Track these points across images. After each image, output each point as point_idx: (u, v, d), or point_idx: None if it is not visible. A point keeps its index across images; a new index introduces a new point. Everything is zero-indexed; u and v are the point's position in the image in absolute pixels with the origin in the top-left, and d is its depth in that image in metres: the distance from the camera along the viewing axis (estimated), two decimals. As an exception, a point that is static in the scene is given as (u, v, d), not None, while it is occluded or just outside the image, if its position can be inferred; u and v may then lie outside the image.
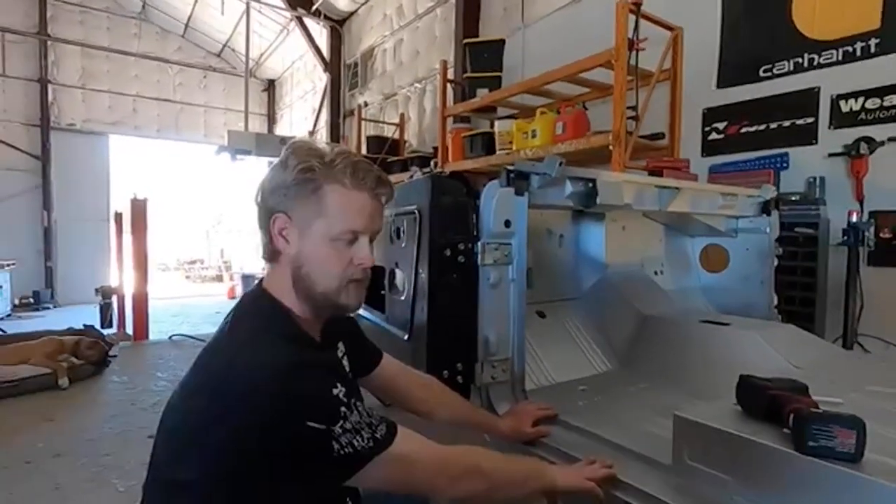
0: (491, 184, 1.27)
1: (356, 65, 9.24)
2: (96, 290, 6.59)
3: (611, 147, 3.35)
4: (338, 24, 9.56)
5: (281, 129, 12.53)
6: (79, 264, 10.40)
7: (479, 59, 5.14)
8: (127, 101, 11.64)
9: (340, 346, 1.02)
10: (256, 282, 0.93)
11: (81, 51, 11.03)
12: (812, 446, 0.74)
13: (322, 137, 9.93)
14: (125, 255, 6.02)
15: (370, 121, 8.14)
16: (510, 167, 1.29)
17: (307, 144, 0.89)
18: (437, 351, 1.27)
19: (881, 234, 2.99)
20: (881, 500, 0.68)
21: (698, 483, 0.87)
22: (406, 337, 1.36)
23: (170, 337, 4.93)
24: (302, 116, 11.55)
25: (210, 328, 5.75)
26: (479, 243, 1.24)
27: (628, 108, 3.40)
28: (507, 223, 1.26)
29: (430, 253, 1.26)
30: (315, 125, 10.34)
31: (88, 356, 3.63)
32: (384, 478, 0.79)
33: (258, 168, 12.83)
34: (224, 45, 12.27)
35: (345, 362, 1.02)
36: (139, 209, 4.72)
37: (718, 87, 3.81)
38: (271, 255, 0.89)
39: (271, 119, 13.52)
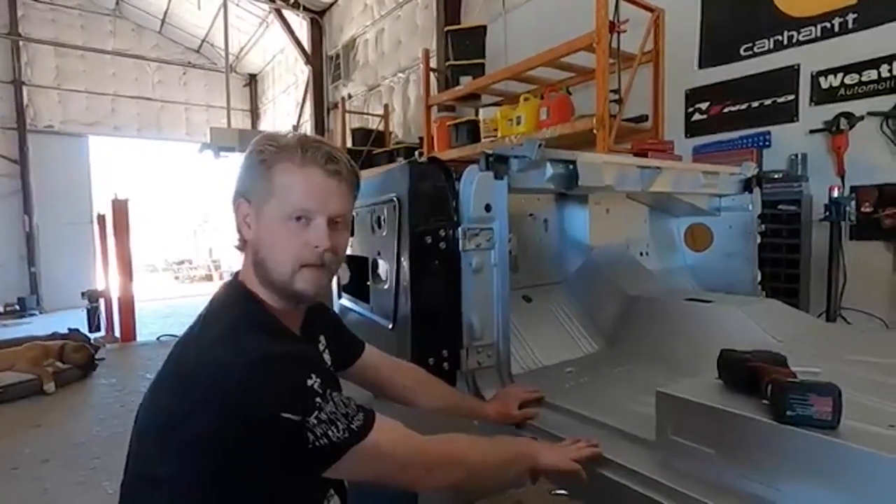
0: (470, 168, 1.26)
1: (338, 56, 9.12)
2: (83, 294, 6.51)
3: (595, 131, 3.34)
4: (318, 16, 9.42)
5: (265, 125, 12.37)
6: (63, 269, 10.23)
7: (461, 47, 5.09)
8: (105, 100, 11.40)
9: (322, 339, 1.01)
10: (233, 273, 0.91)
11: (55, 50, 10.76)
12: (790, 415, 0.75)
13: (307, 131, 9.83)
14: (110, 258, 5.94)
15: (354, 112, 8.06)
16: (489, 151, 1.28)
17: (268, 133, 0.88)
18: (421, 339, 1.26)
19: (862, 209, 3.02)
20: (858, 465, 0.69)
21: (682, 457, 0.88)
22: (390, 326, 1.35)
23: (158, 338, 4.88)
24: (285, 111, 11.40)
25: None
26: (459, 229, 1.23)
27: (611, 91, 3.40)
28: (488, 207, 1.25)
29: (411, 240, 1.25)
30: (299, 119, 10.22)
31: (74, 360, 3.58)
32: (360, 468, 0.78)
33: (243, 165, 12.78)
34: (202, 41, 12.05)
35: (326, 356, 1.00)
36: (120, 210, 4.64)
37: (700, 67, 3.81)
38: (241, 243, 0.87)
39: (254, 115, 13.34)
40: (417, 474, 0.83)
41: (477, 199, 1.23)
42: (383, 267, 1.47)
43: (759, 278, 2.11)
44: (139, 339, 4.90)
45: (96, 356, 3.81)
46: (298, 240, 0.81)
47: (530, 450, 0.92)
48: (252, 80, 13.16)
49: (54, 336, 3.96)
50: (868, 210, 3.01)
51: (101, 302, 6.16)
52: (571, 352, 1.63)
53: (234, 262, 13.95)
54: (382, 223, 1.36)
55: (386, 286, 1.40)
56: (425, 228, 1.23)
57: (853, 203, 2.99)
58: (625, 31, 3.39)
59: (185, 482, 0.75)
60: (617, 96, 3.49)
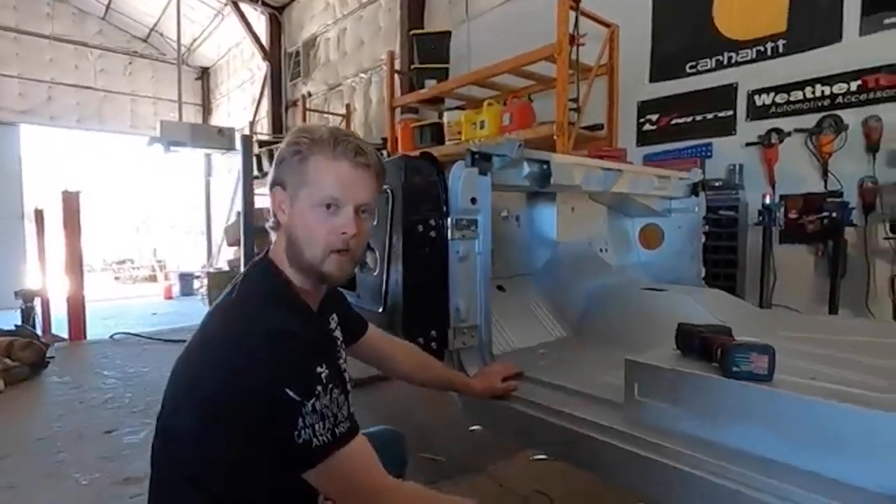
0: (457, 164, 1.37)
1: (298, 54, 9.02)
2: (16, 294, 6.11)
3: (555, 137, 3.54)
4: (277, 11, 9.27)
5: (218, 120, 11.98)
6: (-10, 267, 9.50)
7: (426, 51, 5.22)
8: (41, 87, 10.70)
9: (334, 316, 1.09)
10: (263, 252, 0.97)
11: (-15, 32, 10.02)
12: (735, 371, 0.91)
13: (263, 128, 9.63)
14: (49, 255, 5.61)
15: (315, 111, 7.99)
16: (474, 149, 1.40)
17: (302, 126, 0.96)
18: (412, 320, 1.36)
19: (789, 215, 3.36)
20: (788, 408, 0.85)
21: (646, 413, 1.03)
22: (381, 309, 1.44)
23: (111, 336, 4.67)
24: (241, 106, 11.11)
25: (147, 329, 5.50)
26: (448, 219, 1.34)
27: (570, 100, 3.61)
28: (473, 200, 1.37)
29: (404, 229, 1.34)
30: (255, 115, 10.00)
31: (23, 357, 3.40)
32: (326, 480, 0.79)
33: (194, 160, 12.28)
34: (151, 30, 11.55)
35: (337, 333, 1.08)
36: (71, 204, 4.42)
37: (651, 81, 4.11)
38: (274, 224, 0.95)
39: (206, 109, 12.90)
40: None
41: (464, 192, 1.34)
42: (370, 256, 1.56)
43: (703, 274, 2.34)
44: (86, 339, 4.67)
45: (46, 354, 3.63)
46: (328, 225, 0.88)
47: None
48: (204, 74, 12.72)
49: (1, 332, 3.73)
50: (794, 216, 3.35)
51: (38, 301, 5.81)
52: (542, 336, 1.78)
53: (181, 261, 13.34)
54: (370, 230, 1.45)
55: (375, 273, 1.49)
56: (417, 218, 1.34)
57: (782, 210, 3.34)
58: (584, 45, 3.61)
59: (203, 438, 0.81)
60: (575, 105, 3.72)
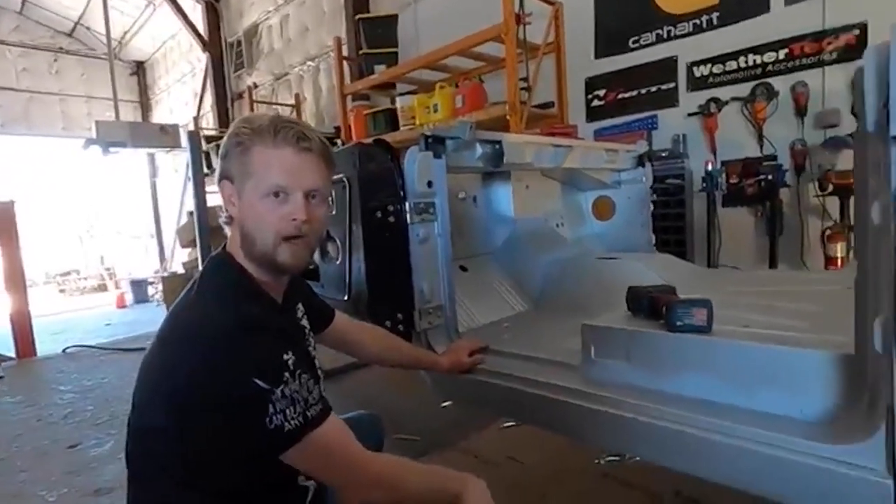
0: (412, 149, 1.40)
1: (240, 44, 8.67)
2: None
3: (508, 117, 3.60)
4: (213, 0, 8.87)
5: (159, 117, 11.41)
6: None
7: (374, 35, 5.13)
8: (-45, 90, 9.90)
9: (300, 307, 1.10)
10: (220, 248, 0.97)
11: None
12: (679, 325, 0.99)
13: (209, 123, 9.27)
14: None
15: (262, 102, 7.75)
16: (427, 133, 1.42)
17: (244, 116, 0.95)
18: (378, 305, 1.39)
19: (730, 180, 3.55)
20: (725, 354, 0.94)
21: (602, 372, 1.10)
22: (345, 297, 1.46)
23: (64, 350, 4.46)
24: (182, 101, 10.62)
25: (102, 340, 5.27)
26: (406, 204, 1.37)
27: (520, 79, 3.67)
28: (430, 184, 1.40)
29: (363, 216, 1.36)
30: (199, 110, 9.59)
31: (-33, 380, 3.21)
32: (303, 459, 0.81)
33: (136, 161, 11.69)
34: (76, 23, 10.81)
35: (305, 322, 1.10)
36: (6, 214, 4.15)
37: (596, 57, 4.21)
38: (227, 219, 0.94)
39: (145, 106, 12.26)
40: (351, 482, 0.85)
41: (420, 176, 1.37)
42: (332, 246, 1.57)
43: (653, 241, 2.46)
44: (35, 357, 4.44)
45: (-6, 374, 3.44)
46: (277, 213, 0.88)
47: (458, 486, 0.89)
48: (140, 68, 12.06)
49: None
50: (735, 181, 3.54)
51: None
52: (505, 311, 1.85)
53: (133, 268, 12.75)
54: (332, 202, 1.46)
55: (338, 262, 1.51)
56: (375, 204, 1.36)
57: (723, 175, 3.53)
58: (530, 24, 3.66)
59: (176, 434, 0.81)
60: (526, 84, 3.78)
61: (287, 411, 0.78)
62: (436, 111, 4.10)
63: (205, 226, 3.02)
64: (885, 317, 0.69)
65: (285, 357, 0.80)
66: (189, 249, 6.26)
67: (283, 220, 0.88)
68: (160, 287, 9.69)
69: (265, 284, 0.94)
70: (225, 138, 0.91)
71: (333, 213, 1.45)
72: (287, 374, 0.79)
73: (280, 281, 0.97)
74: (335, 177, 1.41)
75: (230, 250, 0.94)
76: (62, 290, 14.84)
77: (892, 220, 0.66)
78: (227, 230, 0.96)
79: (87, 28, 10.75)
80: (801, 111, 3.26)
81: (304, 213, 0.89)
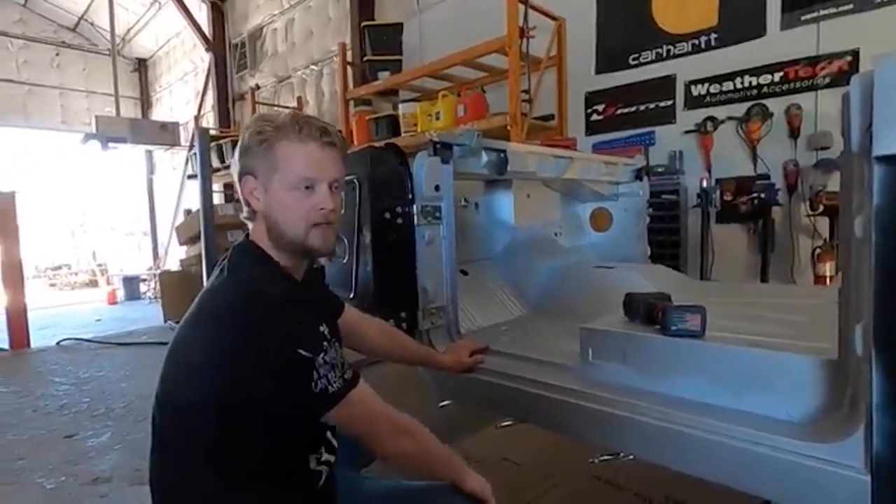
0: (420, 153, 1.45)
1: (243, 45, 8.73)
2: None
3: (509, 127, 3.67)
4: (219, 0, 8.93)
5: (159, 114, 11.41)
6: None
7: (378, 42, 5.21)
8: (-48, 80, 9.86)
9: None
10: (244, 235, 1.02)
11: None
12: (674, 329, 1.04)
13: (210, 122, 9.29)
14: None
15: (264, 104, 7.79)
16: (436, 139, 1.47)
17: (259, 114, 1.01)
18: (383, 303, 1.43)
19: (724, 197, 3.63)
20: (716, 358, 1.00)
21: (599, 373, 1.15)
22: (351, 295, 1.50)
23: (58, 342, 4.45)
24: (184, 100, 10.64)
25: (92, 336, 5.23)
26: (414, 206, 1.42)
27: (522, 91, 3.75)
28: (437, 188, 1.45)
29: (372, 216, 1.41)
30: (200, 109, 9.61)
31: (-39, 370, 3.20)
32: (346, 416, 0.88)
33: (134, 157, 11.68)
34: (80, 18, 10.83)
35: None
36: (7, 206, 4.15)
37: (597, 73, 4.31)
38: (250, 214, 0.99)
39: (145, 103, 12.25)
40: (386, 430, 0.92)
41: (428, 180, 1.42)
42: (339, 245, 1.61)
43: (648, 253, 2.53)
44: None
45: (-13, 364, 3.43)
46: (307, 204, 0.95)
47: (462, 471, 0.96)
48: (142, 66, 12.07)
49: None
50: (729, 198, 3.63)
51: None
52: (504, 315, 1.89)
53: (125, 264, 12.65)
54: (342, 203, 1.50)
55: (344, 261, 1.55)
56: (384, 206, 1.41)
57: (718, 192, 3.61)
58: (533, 38, 3.74)
59: (222, 405, 0.86)
60: (527, 96, 3.86)
61: (329, 376, 0.85)
62: (438, 119, 4.17)
63: (211, 222, 3.04)
64: (865, 322, 0.75)
65: (321, 328, 0.88)
66: (187, 247, 6.26)
67: (313, 209, 0.95)
68: (153, 284, 9.65)
69: (288, 268, 0.99)
70: (244, 135, 0.96)
71: (343, 212, 1.50)
72: (325, 343, 0.86)
73: (301, 266, 1.03)
74: (347, 178, 1.46)
75: (253, 239, 0.98)
76: (52, 285, 14.72)
77: (872, 234, 0.72)
78: (250, 225, 1.00)
79: (91, 24, 10.77)
80: (794, 133, 3.35)
81: (331, 203, 0.97)
